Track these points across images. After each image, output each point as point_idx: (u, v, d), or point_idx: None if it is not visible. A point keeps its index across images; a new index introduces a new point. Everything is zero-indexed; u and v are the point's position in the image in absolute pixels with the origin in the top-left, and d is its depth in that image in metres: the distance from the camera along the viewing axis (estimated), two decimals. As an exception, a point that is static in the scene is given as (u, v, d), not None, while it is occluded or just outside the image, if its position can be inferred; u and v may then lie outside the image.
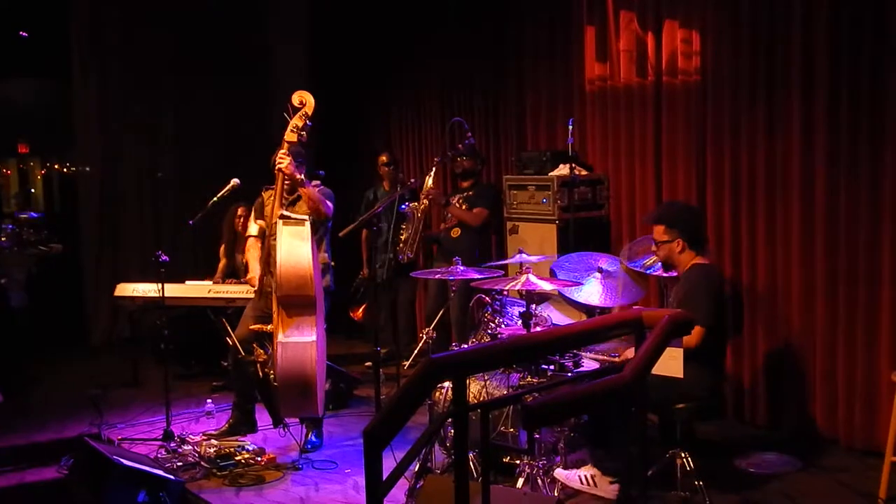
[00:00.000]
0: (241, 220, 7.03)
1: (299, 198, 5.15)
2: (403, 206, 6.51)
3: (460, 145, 6.26)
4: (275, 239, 4.86)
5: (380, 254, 6.54)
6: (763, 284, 5.42)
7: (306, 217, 4.92)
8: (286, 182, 5.03)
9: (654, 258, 4.89)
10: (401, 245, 6.57)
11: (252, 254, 5.40)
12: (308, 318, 4.76)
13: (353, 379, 6.50)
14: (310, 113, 4.98)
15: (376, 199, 7.31)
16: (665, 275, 4.97)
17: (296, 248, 4.75)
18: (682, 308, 4.20)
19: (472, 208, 6.64)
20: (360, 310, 7.38)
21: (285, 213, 4.91)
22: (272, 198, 5.25)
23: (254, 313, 5.24)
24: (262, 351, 4.96)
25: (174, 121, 8.76)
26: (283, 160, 4.95)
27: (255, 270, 5.32)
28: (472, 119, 7.40)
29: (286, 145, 4.98)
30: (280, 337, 4.70)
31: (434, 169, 6.32)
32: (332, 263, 5.44)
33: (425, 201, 6.44)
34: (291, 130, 4.97)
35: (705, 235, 4.57)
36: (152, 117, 8.68)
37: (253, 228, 5.45)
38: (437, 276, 4.95)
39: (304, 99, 4.99)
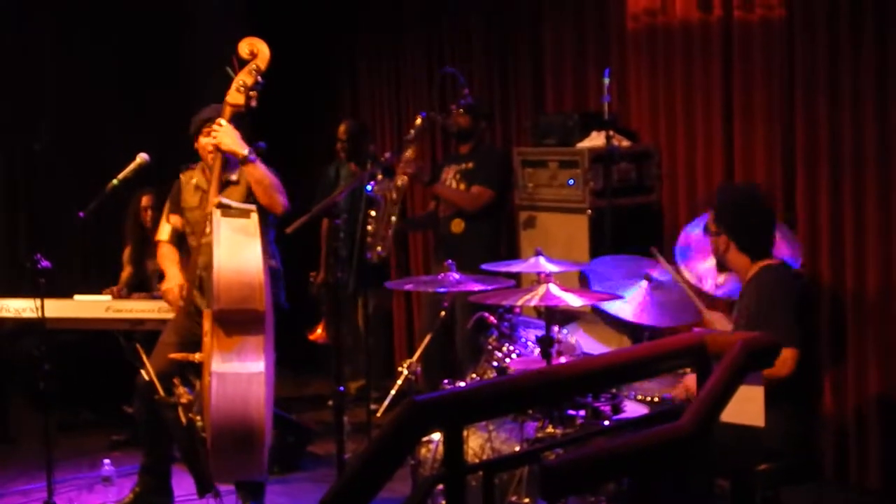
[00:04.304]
0: (149, 212, 7.02)
1: (230, 182, 5.13)
2: (370, 187, 6.46)
3: (453, 105, 6.25)
4: (210, 235, 4.84)
5: (341, 254, 6.52)
6: (875, 294, 5.42)
7: (253, 207, 4.91)
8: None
9: (711, 261, 4.91)
10: (369, 239, 6.53)
11: (169, 261, 5.39)
12: (254, 340, 4.75)
13: (306, 430, 6.50)
14: (263, 67, 4.99)
15: (338, 179, 7.30)
16: (720, 293, 4.98)
17: (240, 247, 4.75)
18: (752, 329, 4.21)
19: (471, 186, 6.61)
20: (320, 328, 7.36)
21: (225, 200, 4.90)
22: (195, 183, 5.22)
23: (175, 338, 5.23)
24: (184, 390, 4.96)
25: (57, 73, 8.74)
26: (219, 131, 4.94)
27: (174, 278, 5.31)
28: (468, 70, 7.40)
29: (229, 110, 4.98)
30: (215, 365, 4.67)
31: (413, 133, 6.29)
32: (279, 268, 5.44)
33: (403, 177, 6.41)
34: (237, 90, 4.98)
35: (767, 239, 4.58)
36: (25, 66, 8.65)
37: (164, 230, 5.43)
38: (421, 288, 4.95)
39: (255, 49, 5.01)
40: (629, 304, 5.02)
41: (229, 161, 5.09)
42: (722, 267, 4.75)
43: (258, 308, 4.73)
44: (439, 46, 7.82)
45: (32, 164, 8.71)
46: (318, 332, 7.42)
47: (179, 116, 5.76)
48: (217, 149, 4.98)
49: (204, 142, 5.19)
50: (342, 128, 7.45)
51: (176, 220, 5.38)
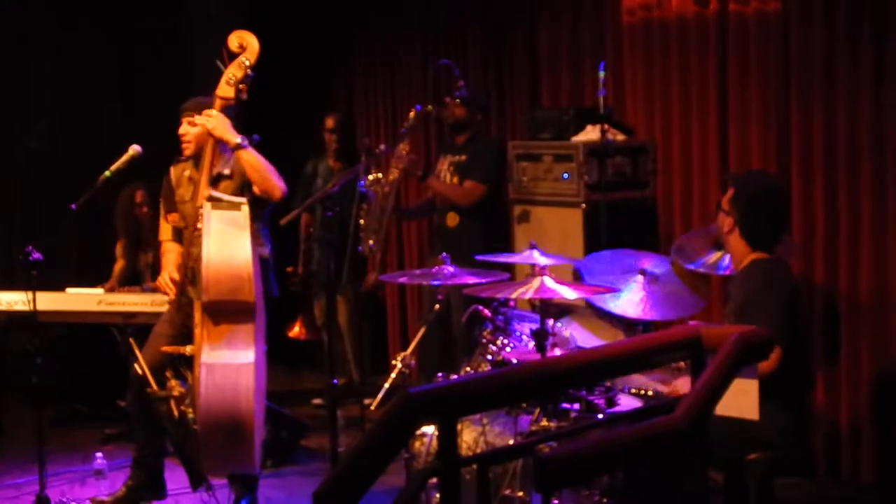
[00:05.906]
0: (144, 208, 7.04)
1: (222, 176, 5.13)
2: (362, 183, 6.44)
3: (448, 98, 6.24)
4: (200, 228, 4.84)
5: (334, 246, 6.52)
6: (868, 292, 5.43)
7: (243, 200, 4.92)
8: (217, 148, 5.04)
9: (718, 254, 4.91)
10: (361, 233, 6.51)
11: (170, 257, 5.40)
12: (244, 330, 4.75)
13: (299, 425, 6.51)
14: (252, 61, 5.00)
15: (315, 175, 7.31)
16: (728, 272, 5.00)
17: (230, 239, 4.76)
18: (740, 322, 4.22)
19: (464, 179, 6.59)
20: (297, 325, 7.36)
21: (216, 193, 4.91)
22: (188, 176, 5.22)
23: (168, 330, 5.24)
24: (176, 382, 4.95)
25: (53, 70, 8.72)
26: (210, 119, 4.95)
27: (170, 272, 5.31)
28: (464, 63, 7.40)
29: (219, 103, 4.99)
30: (204, 356, 4.67)
31: (407, 126, 6.28)
32: (270, 257, 5.44)
33: (395, 170, 6.39)
34: (227, 83, 4.99)
35: (772, 237, 4.59)
36: (20, 63, 8.63)
37: (165, 230, 5.44)
38: (415, 282, 4.94)
39: (244, 42, 5.02)
40: (629, 303, 5.02)
41: (221, 154, 5.09)
42: (720, 246, 4.79)
43: (247, 299, 4.74)
44: (435, 39, 7.82)
45: (28, 161, 8.71)
46: (297, 330, 7.41)
47: (178, 115, 5.77)
48: (209, 135, 4.99)
49: (181, 130, 5.21)
50: (331, 120, 7.40)
51: (174, 217, 5.38)
